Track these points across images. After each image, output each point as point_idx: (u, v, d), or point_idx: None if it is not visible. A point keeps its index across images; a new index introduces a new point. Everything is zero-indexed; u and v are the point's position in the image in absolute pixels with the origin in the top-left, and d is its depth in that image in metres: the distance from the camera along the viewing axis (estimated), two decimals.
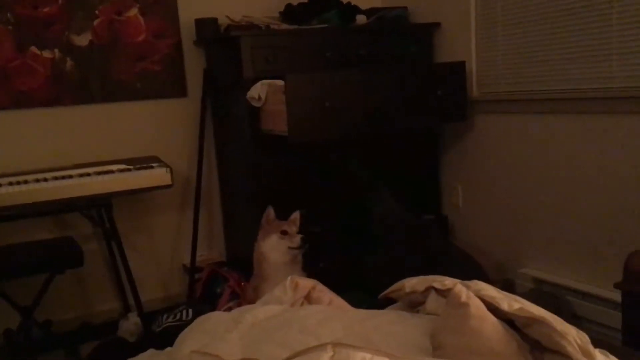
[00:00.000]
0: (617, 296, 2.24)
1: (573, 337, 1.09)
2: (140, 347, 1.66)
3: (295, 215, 2.68)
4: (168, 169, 2.72)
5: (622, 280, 2.01)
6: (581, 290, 2.62)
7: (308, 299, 1.60)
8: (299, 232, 2.62)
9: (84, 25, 2.97)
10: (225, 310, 2.07)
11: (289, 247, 2.57)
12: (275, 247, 2.58)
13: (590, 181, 2.59)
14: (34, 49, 2.88)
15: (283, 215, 2.68)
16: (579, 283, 2.66)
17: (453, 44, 3.19)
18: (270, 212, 2.65)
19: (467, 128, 3.18)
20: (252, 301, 2.57)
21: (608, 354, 1.21)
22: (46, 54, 2.91)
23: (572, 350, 1.07)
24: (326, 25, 3.11)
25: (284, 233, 2.59)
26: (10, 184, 2.46)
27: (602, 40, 2.47)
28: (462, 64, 3.00)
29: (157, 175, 2.70)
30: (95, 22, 2.99)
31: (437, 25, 3.25)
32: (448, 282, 1.31)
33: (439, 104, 2.93)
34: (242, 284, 2.90)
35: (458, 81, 2.98)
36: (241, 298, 2.84)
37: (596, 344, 1.16)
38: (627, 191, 2.44)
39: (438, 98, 2.92)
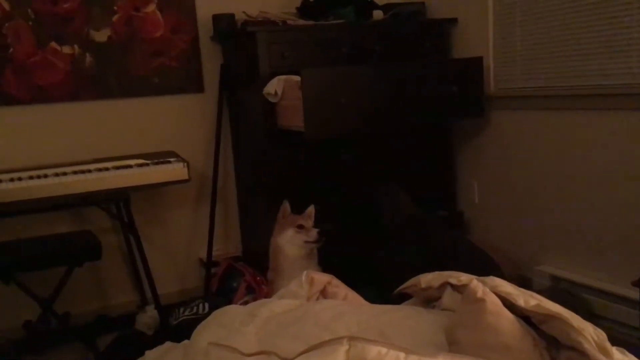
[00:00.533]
0: (635, 294, 2.22)
1: (590, 334, 1.08)
2: (157, 340, 1.68)
3: (311, 209, 2.69)
4: (185, 164, 2.74)
5: None
6: (599, 288, 2.59)
7: (324, 293, 1.60)
8: (314, 227, 2.64)
9: (102, 21, 3.00)
10: (241, 305, 2.08)
11: (306, 241, 2.59)
12: (292, 241, 2.59)
13: (608, 178, 2.56)
14: (53, 44, 2.92)
15: (298, 210, 2.69)
16: (596, 280, 2.63)
17: (470, 39, 3.17)
18: (286, 206, 2.67)
19: (483, 124, 3.16)
20: (268, 295, 2.59)
21: (626, 352, 1.20)
22: (66, 49, 2.94)
23: (588, 347, 1.06)
24: (343, 20, 3.11)
25: (300, 227, 2.60)
26: (31, 177, 2.50)
27: (622, 36, 2.43)
28: (479, 60, 2.98)
29: (174, 170, 2.72)
30: (114, 18, 3.02)
31: (454, 20, 3.23)
32: (464, 277, 1.31)
33: (455, 100, 2.92)
34: (258, 278, 2.91)
35: (475, 77, 2.96)
36: (257, 292, 2.85)
37: (614, 342, 1.15)
38: None
39: (455, 94, 2.90)
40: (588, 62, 2.59)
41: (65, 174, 2.54)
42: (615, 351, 1.14)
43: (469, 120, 3.20)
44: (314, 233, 2.59)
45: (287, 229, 2.61)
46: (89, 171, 2.58)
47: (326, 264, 2.69)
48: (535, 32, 2.81)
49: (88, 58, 2.99)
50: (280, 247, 2.61)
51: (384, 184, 2.96)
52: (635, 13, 2.38)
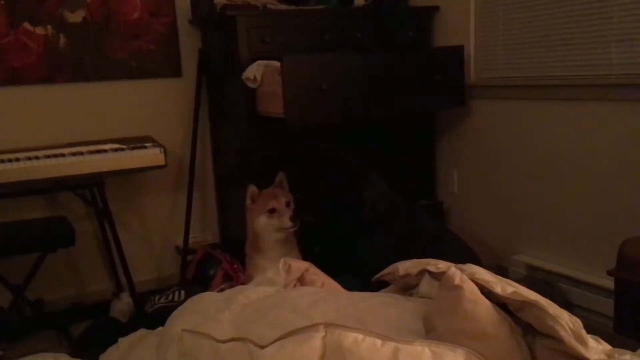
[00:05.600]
0: (609, 283, 2.25)
1: (566, 321, 1.09)
2: (132, 328, 1.65)
3: (280, 177, 2.62)
4: (162, 149, 2.69)
5: (615, 267, 2.01)
6: (574, 278, 2.62)
7: (301, 281, 1.59)
8: (288, 204, 2.57)
9: (77, 1, 2.92)
10: (217, 292, 2.06)
11: (280, 228, 2.54)
12: (266, 227, 2.54)
13: (586, 168, 2.58)
14: (26, 25, 2.84)
15: None
16: (572, 270, 2.67)
17: (452, 28, 3.16)
18: (253, 190, 2.59)
19: (464, 113, 3.16)
20: (251, 278, 2.58)
21: (600, 339, 1.21)
22: (39, 30, 2.87)
23: (564, 334, 1.06)
24: (324, 6, 3.08)
25: (272, 211, 2.53)
26: (2, 161, 2.44)
27: (602, 27, 2.45)
28: (460, 49, 2.97)
29: (150, 156, 2.68)
30: None
31: (436, 8, 3.22)
32: (442, 265, 1.30)
33: (436, 89, 2.91)
34: (235, 266, 2.89)
35: (456, 66, 2.96)
36: (234, 280, 2.83)
37: (588, 330, 1.15)
38: (621, 178, 2.44)
39: (436, 82, 2.90)
40: (568, 52, 2.60)
41: (37, 157, 2.49)
42: (590, 339, 1.15)
43: (449, 109, 3.20)
44: (286, 220, 2.51)
45: (260, 216, 2.55)
46: (63, 155, 2.52)
47: (306, 252, 2.68)
48: (516, 21, 2.82)
49: (62, 39, 2.92)
50: (258, 234, 2.58)
51: (365, 173, 2.94)
52: (614, 4, 2.39)
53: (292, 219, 2.51)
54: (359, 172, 2.96)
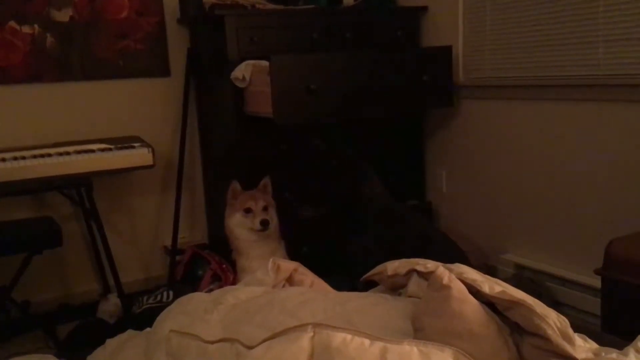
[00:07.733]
0: (597, 282, 2.26)
1: (553, 320, 1.09)
2: (119, 329, 1.64)
3: (265, 181, 2.66)
4: (150, 149, 2.68)
5: (602, 266, 2.03)
6: (562, 277, 2.64)
7: (290, 281, 1.59)
8: (265, 208, 2.58)
9: (64, 0, 2.90)
10: (206, 292, 2.05)
11: (251, 228, 2.57)
12: (240, 225, 2.60)
13: (573, 168, 2.60)
14: (12, 23, 2.81)
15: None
16: (559, 269, 2.68)
17: (440, 28, 3.17)
18: (235, 186, 2.63)
19: (452, 113, 3.17)
20: (235, 276, 2.60)
21: (587, 338, 1.22)
22: (25, 29, 2.84)
23: (551, 333, 1.07)
24: (313, 6, 3.08)
25: (248, 211, 2.57)
26: None
27: (588, 27, 2.46)
28: (448, 49, 2.98)
29: (138, 156, 2.66)
30: None
31: (424, 9, 3.23)
32: (430, 264, 1.30)
33: (425, 89, 2.92)
34: (224, 266, 2.88)
35: (444, 66, 2.97)
36: (222, 280, 2.83)
37: (575, 329, 1.16)
38: (609, 178, 2.46)
39: (424, 83, 2.90)
40: (556, 53, 2.61)
41: (24, 158, 2.46)
42: (577, 337, 1.15)
43: (438, 109, 3.21)
44: (257, 222, 2.56)
45: (235, 213, 2.60)
46: (50, 155, 2.50)
47: (295, 252, 2.68)
48: (504, 22, 2.83)
49: (49, 38, 2.89)
50: (232, 231, 2.63)
51: (363, 169, 2.93)
52: (600, 4, 2.41)
53: (263, 222, 2.55)
54: (358, 167, 2.95)
